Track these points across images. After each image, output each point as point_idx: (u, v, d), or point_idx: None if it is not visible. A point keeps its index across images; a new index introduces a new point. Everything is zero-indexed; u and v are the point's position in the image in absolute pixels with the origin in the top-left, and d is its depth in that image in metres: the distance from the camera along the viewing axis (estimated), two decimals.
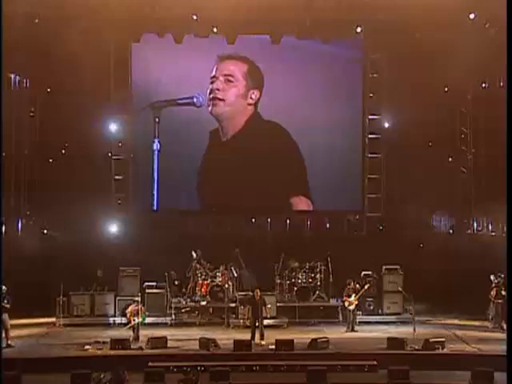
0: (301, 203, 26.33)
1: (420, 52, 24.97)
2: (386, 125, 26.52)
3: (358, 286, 22.75)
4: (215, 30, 25.13)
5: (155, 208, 26.03)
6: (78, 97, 24.78)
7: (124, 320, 22.65)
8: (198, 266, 24.42)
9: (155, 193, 25.76)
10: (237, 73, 26.06)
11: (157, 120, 25.51)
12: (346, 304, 22.43)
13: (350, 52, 26.25)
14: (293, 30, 25.46)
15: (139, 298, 21.87)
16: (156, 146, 25.48)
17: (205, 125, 25.93)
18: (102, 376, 16.33)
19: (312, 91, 26.28)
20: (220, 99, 25.90)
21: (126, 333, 20.75)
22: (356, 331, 22.25)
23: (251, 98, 26.02)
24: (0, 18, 21.56)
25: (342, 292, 23.16)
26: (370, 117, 26.74)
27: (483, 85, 25.05)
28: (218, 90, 25.88)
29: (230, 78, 26.00)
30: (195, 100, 25.67)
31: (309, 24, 24.92)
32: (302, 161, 26.18)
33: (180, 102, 25.69)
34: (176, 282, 24.69)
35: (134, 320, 20.67)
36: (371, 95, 26.64)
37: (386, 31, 25.05)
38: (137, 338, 20.43)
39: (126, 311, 21.03)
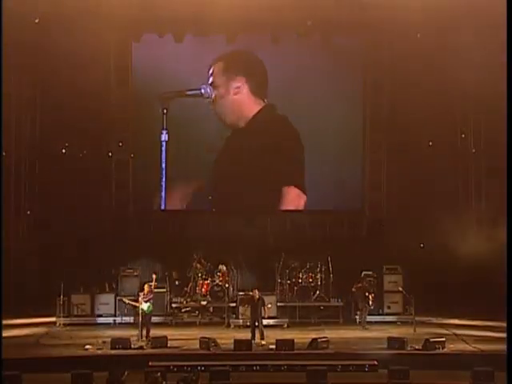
0: (291, 194, 26.25)
1: (421, 52, 24.95)
2: (387, 125, 26.49)
3: (367, 284, 22.91)
4: (215, 29, 25.08)
5: (162, 207, 26.08)
6: (78, 96, 24.77)
7: (125, 319, 22.82)
8: (198, 265, 24.45)
9: (163, 187, 25.81)
10: (215, 78, 26.00)
11: (165, 111, 25.56)
12: (371, 298, 22.57)
13: (351, 51, 26.24)
14: (293, 30, 25.45)
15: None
16: (164, 137, 25.57)
17: (212, 118, 25.98)
18: (158, 374, 16.43)
19: (311, 91, 26.25)
20: (212, 108, 25.95)
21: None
22: (367, 329, 22.49)
23: (235, 88, 26.00)
24: (0, 18, 21.57)
25: (343, 292, 23.35)
26: (371, 117, 26.71)
27: (484, 84, 24.99)
28: (207, 97, 25.87)
29: (214, 85, 25.96)
30: (203, 91, 25.67)
31: (309, 24, 24.93)
32: (299, 151, 26.14)
33: (188, 93, 25.70)
34: (176, 282, 24.72)
35: (139, 303, 20.60)
36: (371, 95, 26.63)
37: (387, 31, 25.05)
38: (146, 335, 20.37)
39: (142, 293, 20.90)
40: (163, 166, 25.71)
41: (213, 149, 26.03)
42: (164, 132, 25.58)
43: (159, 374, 16.10)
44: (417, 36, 24.95)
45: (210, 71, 25.97)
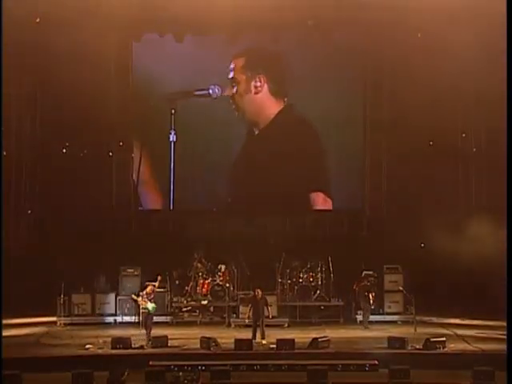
0: (318, 199, 26.23)
1: (421, 52, 24.95)
2: (387, 125, 26.48)
3: (368, 283, 22.98)
4: (216, 29, 25.07)
5: (171, 206, 26.12)
6: (78, 96, 24.76)
7: (126, 318, 22.86)
8: (199, 265, 24.45)
9: (171, 188, 25.84)
10: (236, 73, 26.00)
11: (173, 112, 25.57)
12: (371, 297, 22.73)
13: (351, 51, 26.24)
14: (294, 30, 25.46)
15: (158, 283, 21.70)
16: (172, 137, 25.57)
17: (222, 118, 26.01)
18: (179, 374, 16.46)
19: (311, 91, 26.23)
20: (231, 103, 25.92)
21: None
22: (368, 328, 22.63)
23: (255, 87, 26.03)
24: (0, 18, 21.57)
25: (344, 292, 23.42)
26: (371, 116, 26.71)
27: (484, 84, 25.00)
28: (228, 96, 25.89)
29: (233, 83, 25.98)
30: (211, 92, 25.64)
31: (310, 23, 24.97)
32: (323, 157, 26.20)
33: (196, 93, 25.69)
34: (177, 282, 24.71)
35: (145, 302, 20.61)
36: (371, 95, 26.63)
37: (387, 31, 25.05)
38: (149, 334, 20.39)
39: (142, 292, 20.89)
40: (172, 166, 25.71)
41: (227, 150, 26.06)
42: (172, 132, 25.60)
43: (181, 373, 16.15)
44: (417, 36, 24.95)
45: (231, 66, 25.97)
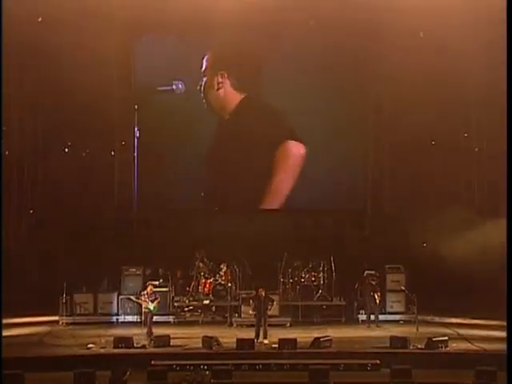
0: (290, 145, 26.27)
1: (422, 51, 24.96)
2: (389, 124, 26.49)
3: (373, 282, 23.04)
4: (217, 29, 25.09)
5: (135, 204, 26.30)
6: (80, 96, 24.78)
7: (128, 318, 22.87)
8: (201, 264, 24.47)
9: (136, 186, 26.07)
10: (206, 68, 26.09)
11: (136, 107, 25.77)
12: (376, 297, 22.81)
13: (352, 51, 26.25)
14: (295, 30, 25.48)
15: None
16: (136, 133, 25.79)
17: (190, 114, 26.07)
18: (206, 373, 16.49)
19: (313, 91, 26.26)
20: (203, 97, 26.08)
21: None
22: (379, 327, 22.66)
23: (217, 82, 26.06)
24: (0, 18, 21.58)
25: (346, 291, 23.39)
26: (373, 116, 26.72)
27: (485, 83, 25.02)
28: (198, 90, 26.04)
29: (203, 76, 26.05)
30: (175, 87, 25.73)
31: (311, 23, 24.99)
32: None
33: (160, 89, 25.74)
34: (180, 281, 24.72)
35: (146, 302, 20.63)
36: (374, 94, 26.63)
37: (388, 31, 25.06)
38: (150, 333, 20.40)
39: (143, 292, 20.95)
40: (136, 162, 25.92)
41: (199, 145, 26.11)
42: (135, 128, 25.85)
43: (207, 372, 16.14)
44: (419, 36, 24.96)
45: (204, 60, 26.04)
